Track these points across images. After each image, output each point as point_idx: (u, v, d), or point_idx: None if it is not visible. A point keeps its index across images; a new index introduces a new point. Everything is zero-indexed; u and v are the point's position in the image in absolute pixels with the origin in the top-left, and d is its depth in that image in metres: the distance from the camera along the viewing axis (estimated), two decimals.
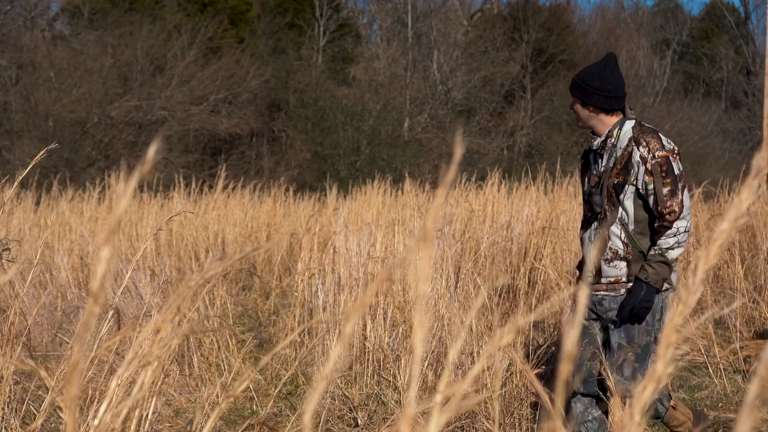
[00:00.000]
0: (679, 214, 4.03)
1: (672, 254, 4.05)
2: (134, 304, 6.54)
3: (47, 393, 4.51)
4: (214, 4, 31.99)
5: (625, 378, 4.08)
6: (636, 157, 4.10)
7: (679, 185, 4.06)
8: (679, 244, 4.05)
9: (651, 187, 4.07)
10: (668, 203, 4.04)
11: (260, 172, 28.56)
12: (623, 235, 4.15)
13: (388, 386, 5.51)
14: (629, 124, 4.21)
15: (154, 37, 28.64)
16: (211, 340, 6.03)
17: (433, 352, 5.56)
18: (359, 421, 5.24)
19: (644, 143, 4.09)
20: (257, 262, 11.22)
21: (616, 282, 4.17)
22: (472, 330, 5.31)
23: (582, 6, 72.92)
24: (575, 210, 9.96)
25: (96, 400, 3.42)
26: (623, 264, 4.15)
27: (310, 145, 29.23)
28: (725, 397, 5.81)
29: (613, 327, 4.17)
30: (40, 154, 3.55)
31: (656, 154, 4.07)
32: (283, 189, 15.06)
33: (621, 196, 4.15)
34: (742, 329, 7.17)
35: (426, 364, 5.43)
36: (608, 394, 4.17)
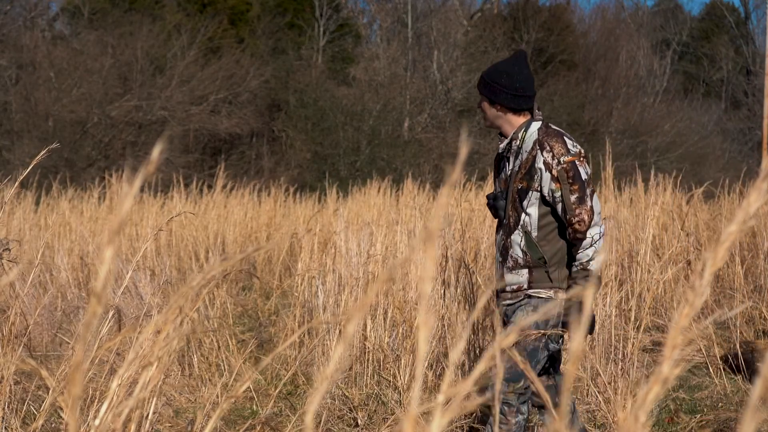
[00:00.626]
0: (590, 223, 3.87)
1: (594, 265, 3.89)
2: (134, 304, 6.54)
3: (47, 393, 4.51)
4: (213, 4, 31.98)
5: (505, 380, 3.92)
6: (539, 162, 3.92)
7: (588, 191, 3.89)
8: (597, 252, 3.89)
9: (558, 194, 3.90)
10: (577, 211, 3.87)
11: (260, 172, 28.55)
12: (523, 243, 3.98)
13: (388, 386, 5.51)
14: (535, 126, 4.03)
15: (154, 37, 28.63)
16: (211, 340, 6.03)
17: (432, 352, 5.56)
18: (359, 421, 5.24)
19: (548, 147, 3.92)
20: (257, 262, 11.22)
21: (519, 289, 4.02)
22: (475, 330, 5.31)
23: (582, 6, 72.92)
24: None
25: (96, 401, 3.42)
26: (525, 271, 3.98)
27: (310, 145, 29.23)
28: (725, 397, 5.80)
29: (508, 327, 4.02)
30: (41, 153, 3.55)
31: (561, 159, 3.89)
32: (283, 189, 15.07)
33: (524, 203, 3.97)
34: (742, 329, 7.17)
35: (425, 364, 5.43)
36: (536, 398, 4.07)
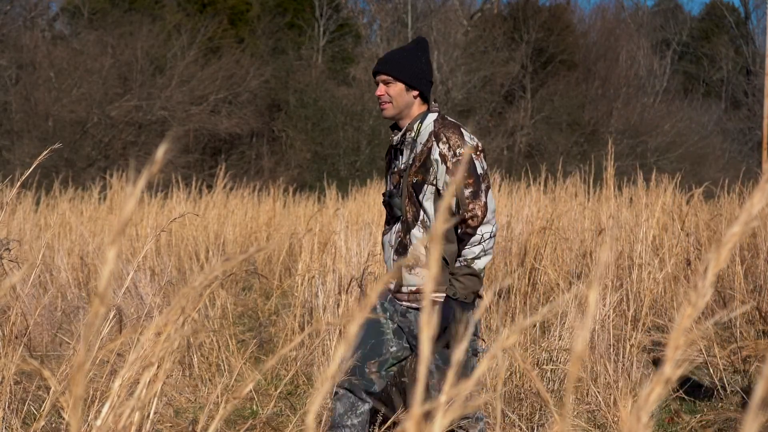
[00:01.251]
0: (482, 219, 3.66)
1: (479, 264, 3.68)
2: (134, 303, 6.54)
3: (47, 393, 4.51)
4: (213, 4, 31.98)
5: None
6: (435, 154, 3.69)
7: (483, 186, 3.68)
8: (485, 252, 3.69)
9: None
10: (470, 206, 3.65)
11: (260, 172, 28.56)
12: (426, 240, 3.71)
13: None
14: (431, 117, 3.79)
15: (154, 37, 28.64)
16: (212, 340, 6.03)
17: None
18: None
19: (444, 139, 3.68)
20: (257, 262, 11.23)
21: (418, 291, 3.76)
22: (487, 331, 5.30)
23: (582, 6, 72.96)
24: (575, 210, 9.96)
25: (97, 401, 3.42)
26: (424, 272, 3.73)
27: (310, 145, 29.23)
28: (725, 397, 5.80)
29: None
30: (44, 153, 3.54)
31: (457, 152, 3.67)
32: (282, 189, 15.07)
33: (420, 197, 3.74)
34: (742, 329, 7.17)
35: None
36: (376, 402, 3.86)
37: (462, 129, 3.74)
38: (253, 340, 6.90)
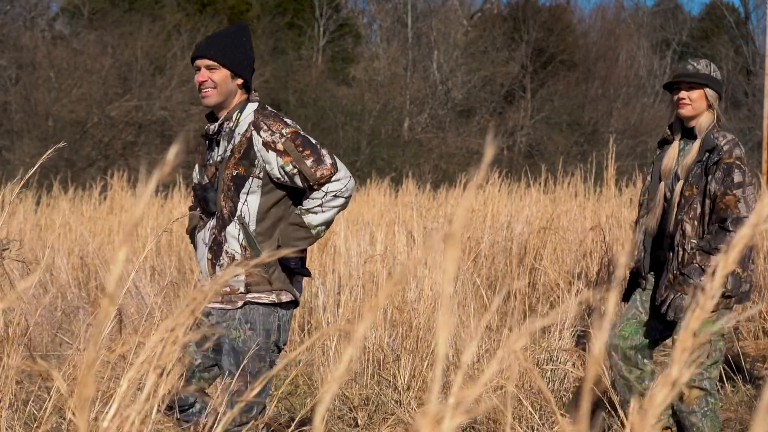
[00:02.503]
0: (331, 176, 3.45)
1: (312, 218, 3.48)
2: (134, 303, 6.54)
3: (47, 393, 4.51)
4: (213, 4, 31.99)
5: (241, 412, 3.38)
6: (258, 144, 3.48)
7: (322, 151, 3.48)
8: (322, 207, 3.48)
9: (290, 167, 3.45)
10: (318, 174, 3.44)
11: None
12: (242, 237, 3.50)
13: (388, 386, 5.51)
14: (251, 107, 3.57)
15: (154, 37, 28.64)
16: None
17: (432, 352, 5.56)
18: (359, 421, 5.25)
19: (265, 127, 3.49)
20: None
21: (232, 293, 3.50)
22: (486, 331, 5.31)
23: (582, 6, 72.96)
24: (575, 210, 9.96)
25: (98, 401, 3.42)
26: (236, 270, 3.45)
27: None
28: (725, 398, 5.80)
29: (225, 346, 3.50)
30: (48, 152, 3.54)
31: (283, 132, 3.48)
32: None
33: (241, 191, 3.51)
34: (742, 328, 7.17)
35: (425, 365, 5.44)
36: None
37: (282, 117, 3.57)
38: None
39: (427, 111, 31.40)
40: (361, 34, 36.31)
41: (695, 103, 4.25)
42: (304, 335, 6.31)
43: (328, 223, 3.55)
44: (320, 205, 3.47)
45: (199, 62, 3.56)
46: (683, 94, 4.26)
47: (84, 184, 15.34)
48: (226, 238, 3.52)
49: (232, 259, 3.50)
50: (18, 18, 29.59)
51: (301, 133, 3.52)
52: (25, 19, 29.66)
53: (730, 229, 4.05)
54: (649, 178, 4.40)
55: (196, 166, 3.76)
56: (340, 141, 28.75)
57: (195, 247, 3.68)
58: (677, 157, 4.28)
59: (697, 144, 4.23)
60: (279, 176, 3.49)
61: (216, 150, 3.60)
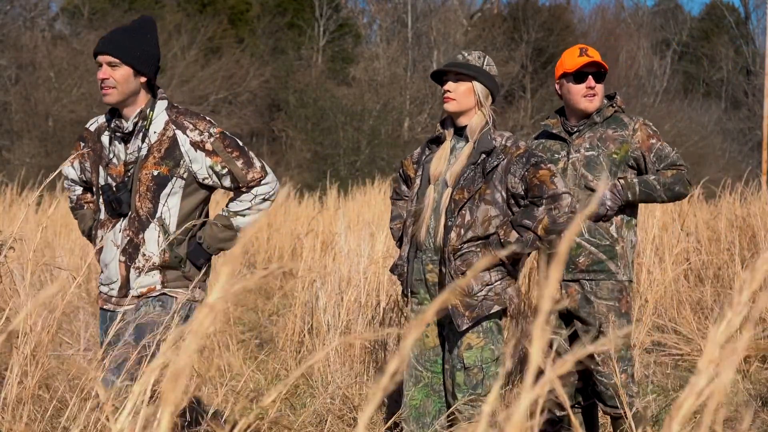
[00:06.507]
0: (261, 180, 3.48)
1: (240, 221, 3.50)
2: None
3: (48, 394, 4.51)
4: (213, 4, 31.99)
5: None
6: (185, 144, 3.43)
7: (250, 154, 3.50)
8: (251, 210, 3.50)
9: (220, 167, 3.44)
10: (249, 176, 3.47)
11: None
12: (161, 240, 3.44)
13: None
14: (162, 105, 3.51)
15: None
16: (212, 340, 6.04)
17: None
18: (359, 421, 5.24)
19: (191, 126, 3.44)
20: (257, 262, 11.22)
21: (151, 290, 3.45)
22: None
23: (582, 6, 73.01)
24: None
25: (91, 399, 3.42)
26: (156, 272, 3.43)
27: (310, 145, 29.24)
28: (725, 397, 5.80)
29: (132, 325, 3.38)
30: (73, 156, 3.49)
31: (211, 131, 3.44)
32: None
33: (162, 192, 3.44)
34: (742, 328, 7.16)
35: None
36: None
37: (202, 114, 3.53)
38: (254, 340, 6.91)
39: (427, 111, 31.39)
40: (361, 34, 36.32)
41: (461, 98, 3.87)
42: (304, 335, 6.30)
43: (254, 222, 3.55)
44: (249, 208, 3.51)
45: (100, 58, 3.45)
46: (449, 86, 3.91)
47: None
48: (144, 241, 3.44)
49: (148, 262, 3.43)
50: (18, 18, 29.60)
51: (228, 134, 3.50)
52: (25, 19, 29.66)
53: (543, 204, 3.53)
54: (418, 181, 3.85)
55: (75, 163, 3.66)
56: (340, 141, 28.75)
57: (95, 248, 3.56)
58: (448, 158, 3.81)
59: (469, 146, 3.78)
60: (206, 176, 3.48)
61: (121, 148, 3.49)
